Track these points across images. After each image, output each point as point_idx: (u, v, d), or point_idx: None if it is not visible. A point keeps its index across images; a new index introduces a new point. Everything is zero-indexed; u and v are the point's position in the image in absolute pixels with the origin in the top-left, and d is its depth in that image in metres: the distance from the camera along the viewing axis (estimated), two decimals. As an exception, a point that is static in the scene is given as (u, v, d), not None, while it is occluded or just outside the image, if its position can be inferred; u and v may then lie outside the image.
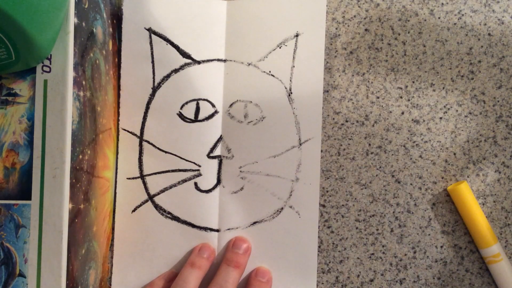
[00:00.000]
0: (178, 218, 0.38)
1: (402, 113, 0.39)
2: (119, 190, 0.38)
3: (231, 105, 0.38)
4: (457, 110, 0.39)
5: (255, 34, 0.38)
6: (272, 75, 0.38)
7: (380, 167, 0.39)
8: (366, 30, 0.39)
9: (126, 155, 0.38)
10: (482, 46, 0.39)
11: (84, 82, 0.32)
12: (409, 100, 0.39)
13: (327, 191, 0.39)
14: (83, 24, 0.31)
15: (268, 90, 0.38)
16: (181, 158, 0.38)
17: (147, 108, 0.38)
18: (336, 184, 0.39)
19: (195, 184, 0.38)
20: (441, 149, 0.38)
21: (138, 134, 0.38)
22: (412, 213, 0.38)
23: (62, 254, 0.29)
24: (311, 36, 0.37)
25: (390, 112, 0.39)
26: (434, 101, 0.39)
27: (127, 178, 0.38)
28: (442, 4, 0.39)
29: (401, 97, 0.39)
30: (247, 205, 0.38)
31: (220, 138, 0.38)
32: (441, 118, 0.39)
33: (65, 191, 0.29)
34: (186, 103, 0.38)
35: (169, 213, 0.38)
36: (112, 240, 0.38)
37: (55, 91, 0.29)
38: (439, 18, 0.39)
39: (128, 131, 0.38)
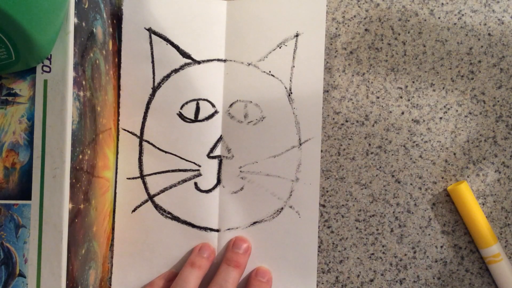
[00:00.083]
0: (178, 218, 0.38)
1: (402, 113, 0.39)
2: (119, 190, 0.38)
3: (231, 105, 0.38)
4: (457, 110, 0.39)
5: (255, 34, 0.38)
6: (272, 75, 0.38)
7: (380, 167, 0.39)
8: (366, 30, 0.39)
9: (126, 155, 0.38)
10: (482, 46, 0.39)
11: (84, 82, 0.32)
12: (409, 100, 0.39)
13: (327, 191, 0.39)
14: (83, 24, 0.31)
15: (268, 90, 0.38)
16: (181, 158, 0.38)
17: (147, 108, 0.38)
18: (336, 184, 0.39)
19: (195, 184, 0.38)
20: (441, 149, 0.38)
21: (138, 134, 0.38)
22: (412, 213, 0.38)
23: (62, 254, 0.29)
24: (311, 36, 0.37)
25: (390, 112, 0.39)
26: (434, 101, 0.39)
27: (127, 178, 0.38)
28: (442, 4, 0.39)
29: (401, 97, 0.39)
30: (247, 205, 0.38)
31: (220, 138, 0.38)
32: (441, 118, 0.39)
33: (65, 191, 0.29)
34: (186, 103, 0.38)
35: (169, 213, 0.38)
36: (112, 240, 0.38)
37: (55, 91, 0.29)
38: (439, 18, 0.39)
39: (128, 131, 0.38)
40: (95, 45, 0.33)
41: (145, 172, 0.38)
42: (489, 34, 0.39)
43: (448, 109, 0.39)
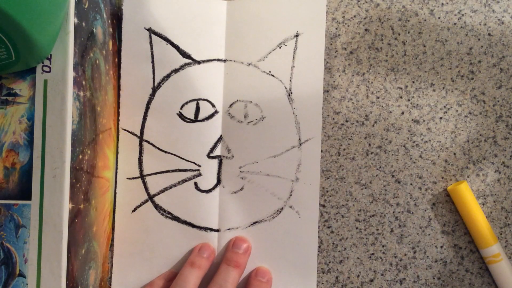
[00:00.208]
0: (178, 218, 0.38)
1: (402, 113, 0.39)
2: (119, 190, 0.38)
3: (231, 105, 0.38)
4: (457, 110, 0.39)
5: (255, 34, 0.38)
6: (272, 75, 0.38)
7: (380, 167, 0.39)
8: (366, 30, 0.39)
9: (126, 155, 0.38)
10: (482, 46, 0.39)
11: (84, 82, 0.32)
12: (409, 100, 0.39)
13: (327, 191, 0.39)
14: (83, 24, 0.31)
15: (268, 90, 0.38)
16: (181, 158, 0.38)
17: (147, 108, 0.38)
18: (336, 184, 0.39)
19: (195, 184, 0.38)
20: (441, 149, 0.38)
21: (138, 134, 0.38)
22: (412, 213, 0.38)
23: (62, 254, 0.29)
24: (311, 36, 0.37)
25: (390, 112, 0.39)
26: (434, 101, 0.39)
27: (127, 178, 0.38)
28: (442, 4, 0.39)
29: (401, 97, 0.39)
30: (247, 205, 0.38)
31: (220, 138, 0.38)
32: (441, 118, 0.39)
33: (65, 191, 0.29)
34: (186, 103, 0.38)
35: (169, 213, 0.38)
36: (112, 240, 0.38)
37: (55, 91, 0.29)
38: (439, 18, 0.39)
39: (128, 131, 0.38)
40: (95, 45, 0.33)
41: (145, 172, 0.38)
42: (489, 34, 0.39)
43: (448, 109, 0.39)
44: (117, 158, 0.38)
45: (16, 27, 0.24)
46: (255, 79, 0.38)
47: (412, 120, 0.39)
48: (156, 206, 0.38)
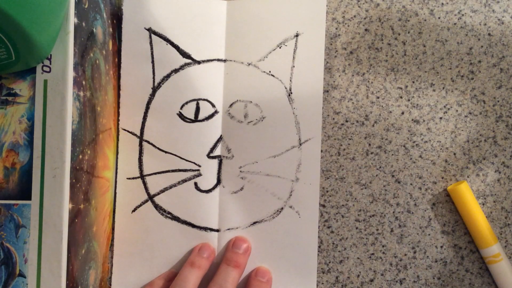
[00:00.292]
0: (178, 218, 0.38)
1: (402, 113, 0.39)
2: (119, 190, 0.38)
3: (231, 105, 0.38)
4: (457, 110, 0.39)
5: (255, 34, 0.38)
6: (272, 75, 0.38)
7: (380, 167, 0.39)
8: (366, 30, 0.39)
9: (126, 155, 0.38)
10: (482, 46, 0.39)
11: (84, 82, 0.32)
12: (409, 100, 0.39)
13: (327, 191, 0.39)
14: (83, 24, 0.31)
15: (268, 90, 0.38)
16: (181, 158, 0.38)
17: (147, 108, 0.38)
18: (336, 184, 0.39)
19: (195, 184, 0.38)
20: (441, 149, 0.38)
21: (138, 134, 0.38)
22: (412, 213, 0.38)
23: (62, 254, 0.29)
24: (311, 36, 0.37)
25: (390, 112, 0.39)
26: (434, 101, 0.39)
27: (127, 178, 0.38)
28: (442, 4, 0.39)
29: (401, 97, 0.39)
30: (247, 205, 0.38)
31: (220, 138, 0.38)
32: (441, 118, 0.39)
33: (65, 191, 0.29)
34: (186, 103, 0.38)
35: (169, 213, 0.38)
36: (112, 240, 0.38)
37: (55, 91, 0.29)
38: (439, 18, 0.39)
39: (128, 131, 0.38)
40: (95, 45, 0.33)
41: (145, 172, 0.38)
42: (489, 34, 0.39)
43: (448, 109, 0.39)
44: (117, 158, 0.38)
45: (16, 27, 0.24)
46: (255, 79, 0.38)
47: (412, 120, 0.39)
48: (156, 206, 0.38)
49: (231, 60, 0.38)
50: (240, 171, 0.38)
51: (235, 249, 0.36)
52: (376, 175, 0.39)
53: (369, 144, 0.39)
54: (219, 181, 0.38)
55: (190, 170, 0.37)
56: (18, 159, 0.29)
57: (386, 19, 0.39)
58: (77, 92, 0.30)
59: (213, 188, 0.38)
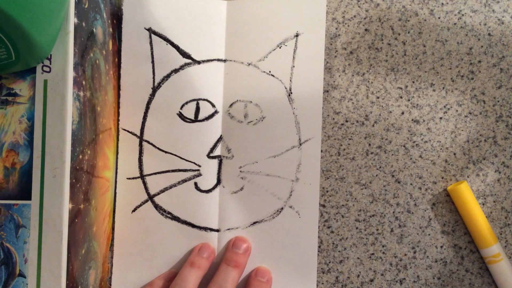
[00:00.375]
0: (178, 218, 0.38)
1: (402, 113, 0.39)
2: (119, 190, 0.38)
3: (231, 105, 0.38)
4: (457, 110, 0.39)
5: (255, 34, 0.38)
6: (272, 75, 0.38)
7: (380, 167, 0.39)
8: (366, 30, 0.39)
9: (126, 155, 0.38)
10: (482, 46, 0.39)
11: (84, 82, 0.32)
12: (409, 100, 0.39)
13: (327, 191, 0.39)
14: (83, 24, 0.31)
15: (268, 90, 0.38)
16: (181, 158, 0.38)
17: (147, 108, 0.38)
18: (336, 184, 0.39)
19: (195, 184, 0.38)
20: (441, 149, 0.38)
21: (138, 134, 0.38)
22: (412, 213, 0.38)
23: (62, 254, 0.29)
24: (311, 36, 0.37)
25: (390, 112, 0.39)
26: (434, 101, 0.39)
27: (127, 178, 0.38)
28: (442, 4, 0.39)
29: (401, 97, 0.39)
30: (247, 205, 0.38)
31: (220, 138, 0.38)
32: (441, 118, 0.39)
33: (65, 191, 0.29)
34: (186, 103, 0.38)
35: (169, 213, 0.38)
36: (112, 240, 0.38)
37: (55, 91, 0.29)
38: (439, 18, 0.39)
39: (128, 131, 0.38)
40: (95, 45, 0.33)
41: (145, 172, 0.38)
42: (489, 34, 0.39)
43: (448, 109, 0.39)
44: (117, 158, 0.38)
45: (16, 27, 0.24)
46: (255, 79, 0.38)
47: (412, 120, 0.39)
48: (156, 206, 0.38)
49: (231, 60, 0.38)
50: (240, 171, 0.38)
51: (235, 249, 0.36)
52: (376, 175, 0.39)
53: (369, 144, 0.39)
54: (219, 181, 0.38)
55: (190, 170, 0.37)
56: (18, 159, 0.29)
57: (386, 19, 0.39)
58: (77, 92, 0.30)
59: (213, 188, 0.38)
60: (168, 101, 0.38)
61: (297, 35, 0.38)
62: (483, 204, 0.38)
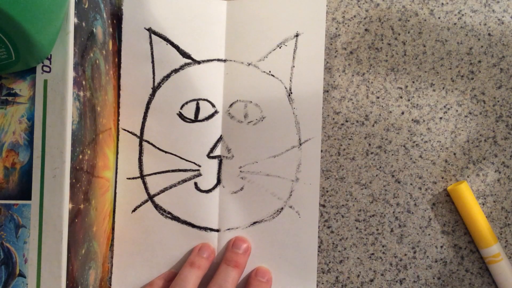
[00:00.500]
0: (178, 218, 0.38)
1: (402, 113, 0.39)
2: (119, 190, 0.38)
3: (231, 105, 0.38)
4: (457, 110, 0.39)
5: (255, 34, 0.38)
6: (272, 75, 0.38)
7: (380, 167, 0.39)
8: (366, 30, 0.39)
9: (126, 155, 0.38)
10: (482, 46, 0.39)
11: (84, 82, 0.32)
12: (409, 100, 0.39)
13: (327, 191, 0.39)
14: (83, 24, 0.31)
15: (268, 90, 0.38)
16: (181, 158, 0.38)
17: (147, 108, 0.38)
18: (336, 184, 0.39)
19: (195, 184, 0.38)
20: (441, 149, 0.38)
21: (138, 134, 0.38)
22: (412, 213, 0.38)
23: (62, 254, 0.29)
24: (311, 36, 0.37)
25: (390, 112, 0.39)
26: (434, 101, 0.39)
27: (127, 178, 0.38)
28: (442, 4, 0.39)
29: (401, 97, 0.39)
30: (247, 205, 0.38)
31: (220, 138, 0.38)
32: (441, 118, 0.39)
33: (65, 191, 0.29)
34: (186, 103, 0.38)
35: (169, 213, 0.38)
36: (112, 240, 0.38)
37: (55, 91, 0.29)
38: (439, 18, 0.39)
39: (128, 131, 0.38)
40: (95, 45, 0.33)
41: (145, 172, 0.38)
42: (489, 34, 0.39)
43: (448, 109, 0.39)
44: (117, 158, 0.38)
45: (16, 27, 0.24)
46: (255, 79, 0.38)
47: (412, 120, 0.39)
48: (156, 206, 0.38)
49: (231, 60, 0.38)
50: (240, 171, 0.38)
51: (235, 249, 0.36)
52: (376, 175, 0.39)
53: (369, 144, 0.39)
54: (219, 181, 0.38)
55: (190, 170, 0.37)
56: (18, 159, 0.29)
57: (386, 19, 0.39)
58: (77, 92, 0.30)
59: (213, 188, 0.38)
60: (168, 101, 0.38)
61: (297, 35, 0.38)
62: (483, 204, 0.38)
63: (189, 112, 0.38)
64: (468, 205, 0.37)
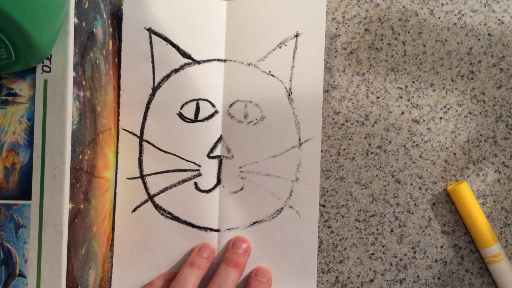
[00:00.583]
0: (178, 218, 0.38)
1: (402, 113, 0.39)
2: (119, 190, 0.38)
3: (231, 105, 0.38)
4: (457, 110, 0.39)
5: (255, 34, 0.38)
6: (272, 75, 0.38)
7: (380, 167, 0.39)
8: (366, 30, 0.39)
9: (126, 155, 0.38)
10: (482, 46, 0.39)
11: (84, 82, 0.32)
12: (409, 100, 0.39)
13: (327, 191, 0.39)
14: (83, 24, 0.31)
15: (268, 90, 0.38)
16: (181, 158, 0.38)
17: (147, 108, 0.38)
18: (336, 184, 0.39)
19: (195, 184, 0.38)
20: (441, 149, 0.38)
21: (138, 134, 0.38)
22: (412, 213, 0.38)
23: (62, 254, 0.29)
24: (311, 36, 0.37)
25: (390, 112, 0.39)
26: (434, 101, 0.39)
27: (127, 178, 0.38)
28: (442, 4, 0.39)
29: (401, 97, 0.39)
30: (247, 205, 0.38)
31: (220, 138, 0.38)
32: (441, 118, 0.39)
33: (65, 191, 0.29)
34: (186, 103, 0.38)
35: (169, 213, 0.38)
36: (112, 240, 0.38)
37: (55, 91, 0.29)
38: (439, 18, 0.39)
39: (128, 131, 0.38)
40: (95, 45, 0.33)
41: (145, 172, 0.38)
42: (489, 34, 0.39)
43: (448, 109, 0.39)
44: (117, 158, 0.38)
45: (16, 27, 0.24)
46: (255, 79, 0.38)
47: (412, 120, 0.39)
48: (156, 206, 0.38)
49: (231, 60, 0.38)
50: (240, 171, 0.38)
51: (235, 249, 0.36)
52: (376, 175, 0.39)
53: (369, 144, 0.39)
54: (219, 181, 0.38)
55: (190, 170, 0.37)
56: (18, 159, 0.29)
57: (386, 19, 0.39)
58: (77, 92, 0.30)
59: (213, 188, 0.38)
60: (168, 101, 0.38)
61: (297, 35, 0.38)
62: (483, 204, 0.38)
63: (189, 112, 0.38)
64: (468, 205, 0.37)
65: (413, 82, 0.39)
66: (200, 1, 0.38)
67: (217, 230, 0.38)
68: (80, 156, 0.31)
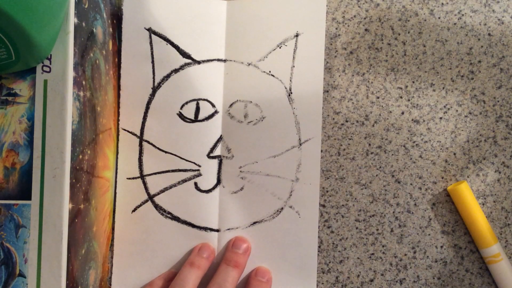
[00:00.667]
0: (178, 218, 0.38)
1: (402, 113, 0.39)
2: (119, 190, 0.38)
3: (231, 105, 0.38)
4: (457, 110, 0.39)
5: (255, 34, 0.38)
6: (272, 75, 0.38)
7: (380, 167, 0.39)
8: (366, 30, 0.39)
9: (126, 155, 0.38)
10: (482, 46, 0.39)
11: (84, 82, 0.32)
12: (409, 100, 0.39)
13: (327, 191, 0.39)
14: (83, 24, 0.31)
15: (268, 90, 0.38)
16: (181, 158, 0.38)
17: (147, 108, 0.38)
18: (336, 184, 0.39)
19: (195, 184, 0.38)
20: (441, 149, 0.38)
21: (138, 134, 0.38)
22: (412, 213, 0.38)
23: (62, 254, 0.29)
24: (311, 36, 0.37)
25: (390, 112, 0.39)
26: (434, 101, 0.39)
27: (127, 178, 0.38)
28: (442, 4, 0.39)
29: (401, 97, 0.39)
30: (247, 205, 0.38)
31: (220, 138, 0.38)
32: (441, 118, 0.39)
33: (65, 191, 0.29)
34: (186, 103, 0.38)
35: (169, 213, 0.38)
36: (112, 240, 0.38)
37: (55, 91, 0.29)
38: (439, 18, 0.39)
39: (128, 131, 0.38)
40: (95, 45, 0.33)
41: (145, 172, 0.38)
42: (489, 34, 0.39)
43: (448, 109, 0.39)
44: (117, 158, 0.38)
45: (16, 27, 0.24)
46: (255, 79, 0.38)
47: (412, 120, 0.39)
48: (156, 206, 0.38)
49: (231, 60, 0.38)
50: (240, 171, 0.38)
51: (235, 249, 0.36)
52: (376, 175, 0.39)
53: (369, 144, 0.39)
54: (219, 181, 0.38)
55: (190, 170, 0.37)
56: (18, 159, 0.29)
57: (386, 19, 0.39)
58: (77, 92, 0.30)
59: (213, 188, 0.38)
60: (168, 101, 0.38)
61: (297, 35, 0.38)
62: (483, 204, 0.38)
63: (189, 112, 0.38)
64: (468, 205, 0.37)
65: (413, 82, 0.39)
66: (200, 1, 0.38)
67: (217, 230, 0.38)
68: (80, 156, 0.31)
